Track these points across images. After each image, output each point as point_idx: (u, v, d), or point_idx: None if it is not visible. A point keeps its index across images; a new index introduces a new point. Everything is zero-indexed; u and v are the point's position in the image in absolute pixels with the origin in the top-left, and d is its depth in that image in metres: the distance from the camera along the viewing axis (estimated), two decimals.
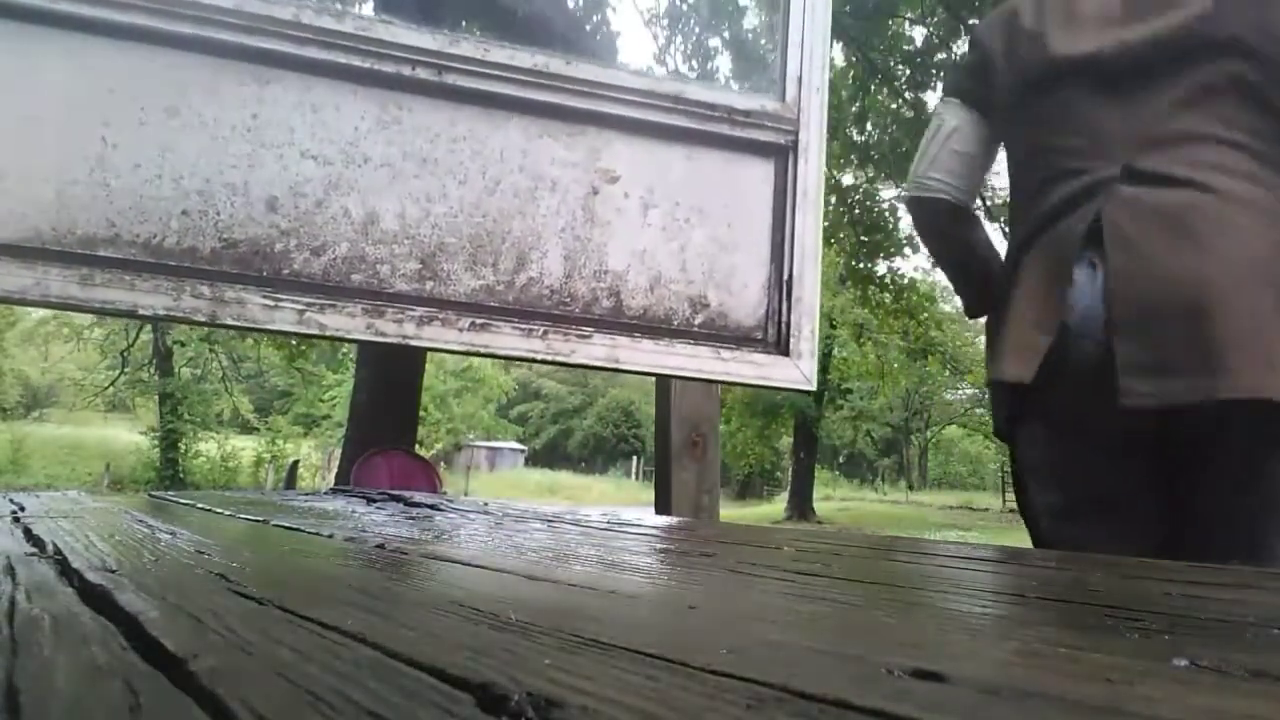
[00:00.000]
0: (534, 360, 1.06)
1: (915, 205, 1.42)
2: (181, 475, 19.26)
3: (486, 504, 1.95)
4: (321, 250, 1.00)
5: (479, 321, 1.03)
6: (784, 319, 1.12)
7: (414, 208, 1.04)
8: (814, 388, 1.14)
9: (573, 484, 27.38)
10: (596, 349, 1.05)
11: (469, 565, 0.86)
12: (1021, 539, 2.14)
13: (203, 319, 0.96)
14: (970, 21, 6.84)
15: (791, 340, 1.12)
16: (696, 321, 1.11)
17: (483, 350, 1.05)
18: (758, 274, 1.14)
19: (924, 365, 15.33)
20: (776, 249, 1.14)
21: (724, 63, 8.83)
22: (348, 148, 1.03)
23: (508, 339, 1.03)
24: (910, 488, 29.68)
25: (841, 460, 34.82)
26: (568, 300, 1.07)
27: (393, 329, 0.99)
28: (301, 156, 1.01)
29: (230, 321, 0.96)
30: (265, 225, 0.99)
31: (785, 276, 1.13)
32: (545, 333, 1.04)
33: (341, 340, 1.06)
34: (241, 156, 1.00)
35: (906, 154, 7.98)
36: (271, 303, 0.97)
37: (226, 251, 0.98)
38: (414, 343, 1.00)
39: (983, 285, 1.40)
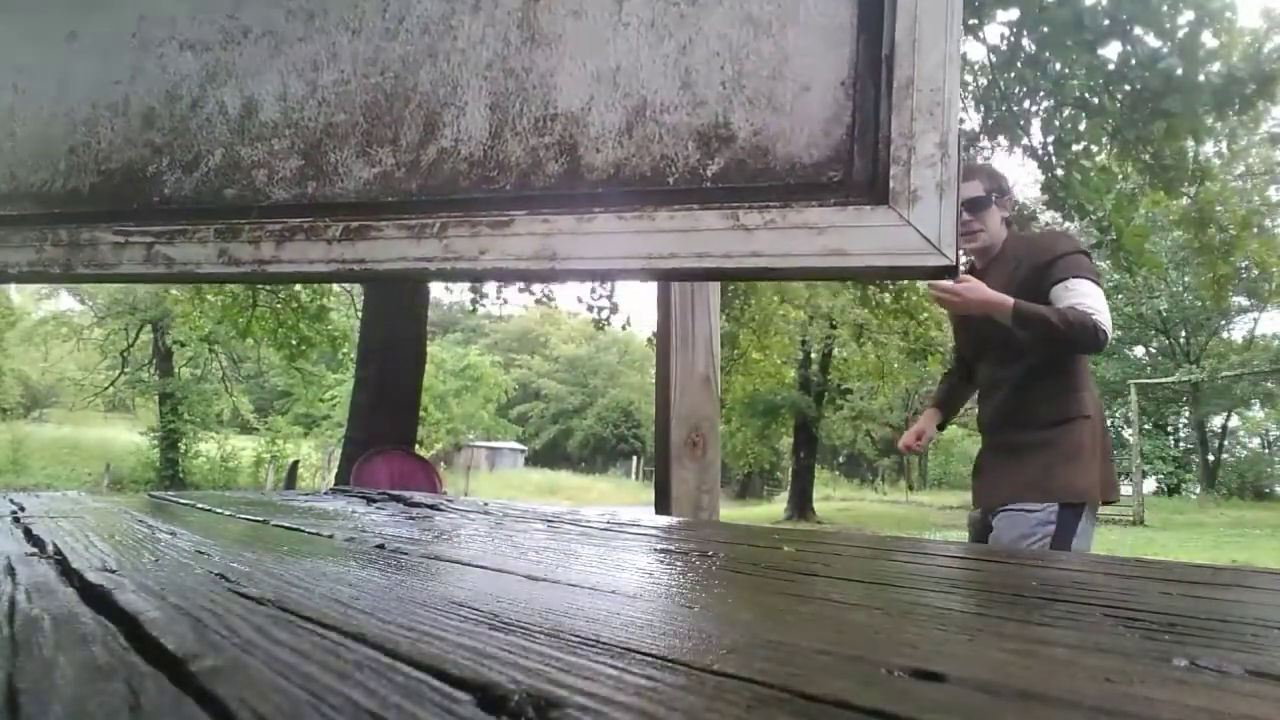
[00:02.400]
0: (425, 276, 0.76)
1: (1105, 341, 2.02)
2: (181, 475, 19.26)
3: (486, 504, 1.95)
4: (194, 164, 0.85)
5: (354, 225, 0.77)
6: (881, 132, 0.64)
7: (298, 83, 0.83)
8: (951, 260, 0.62)
9: (573, 484, 27.38)
10: (520, 242, 0.72)
11: (469, 565, 0.86)
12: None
13: (59, 271, 0.86)
14: (970, 21, 6.83)
15: (893, 170, 0.63)
16: (709, 170, 0.69)
17: (356, 268, 0.77)
18: (827, 62, 0.67)
19: (924, 365, 15.32)
20: (866, 9, 0.66)
21: None
22: (227, 23, 0.86)
23: (390, 246, 0.76)
24: (910, 488, 29.67)
25: (841, 460, 34.82)
26: (493, 173, 0.75)
27: (248, 253, 0.80)
28: (181, 49, 0.87)
29: (82, 270, 0.85)
30: (140, 146, 0.87)
31: (884, 51, 0.65)
32: (443, 227, 0.74)
33: (193, 279, 0.86)
34: (125, 69, 0.88)
35: None
36: (121, 239, 0.83)
37: (103, 186, 0.87)
38: (272, 268, 0.79)
39: None
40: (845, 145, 0.66)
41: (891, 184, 0.63)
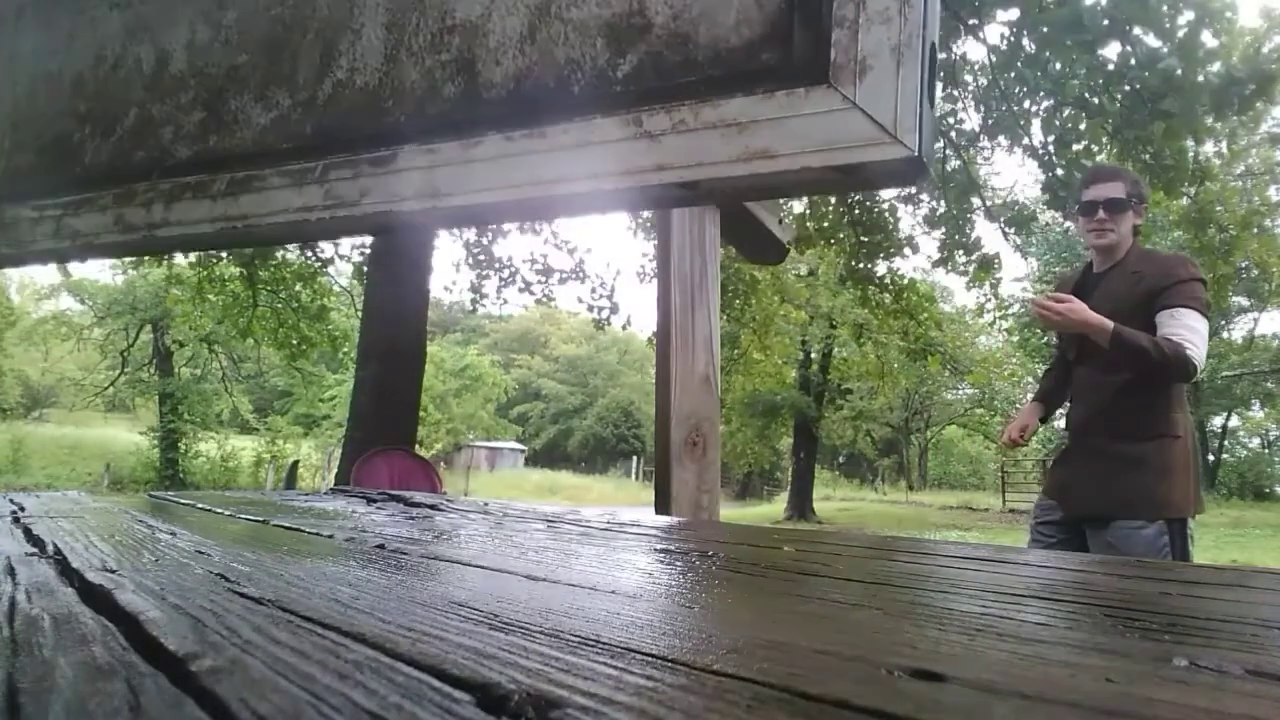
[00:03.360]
0: (305, 229, 0.70)
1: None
2: (181, 475, 19.27)
3: (486, 504, 1.95)
4: (111, 128, 0.82)
5: (240, 177, 0.72)
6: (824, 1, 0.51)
7: (204, 28, 0.79)
8: (912, 149, 0.47)
9: (573, 484, 27.37)
10: (402, 180, 0.65)
11: (469, 565, 0.86)
12: (1020, 539, 2.16)
13: None
14: (970, 21, 6.84)
15: (835, 35, 0.50)
16: (620, 70, 0.58)
17: (239, 225, 0.72)
18: None
19: (924, 365, 15.32)
20: None
21: None
22: None
23: (273, 197, 0.70)
24: (910, 488, 29.66)
25: (841, 460, 34.83)
26: (387, 103, 0.67)
27: (140, 217, 0.76)
28: (110, 9, 0.84)
29: (4, 250, 0.84)
30: (70, 116, 0.85)
31: None
32: (325, 171, 0.68)
33: (92, 253, 0.83)
34: (61, 37, 0.86)
35: None
36: (37, 214, 0.82)
37: (40, 162, 0.85)
38: (161, 232, 0.76)
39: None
40: (784, 17, 0.52)
41: (833, 54, 0.49)
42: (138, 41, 0.82)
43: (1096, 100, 6.21)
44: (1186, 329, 2.07)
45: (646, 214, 10.41)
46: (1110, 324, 2.07)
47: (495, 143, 0.61)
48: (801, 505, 19.33)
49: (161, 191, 0.76)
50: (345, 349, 12.05)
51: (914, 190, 9.39)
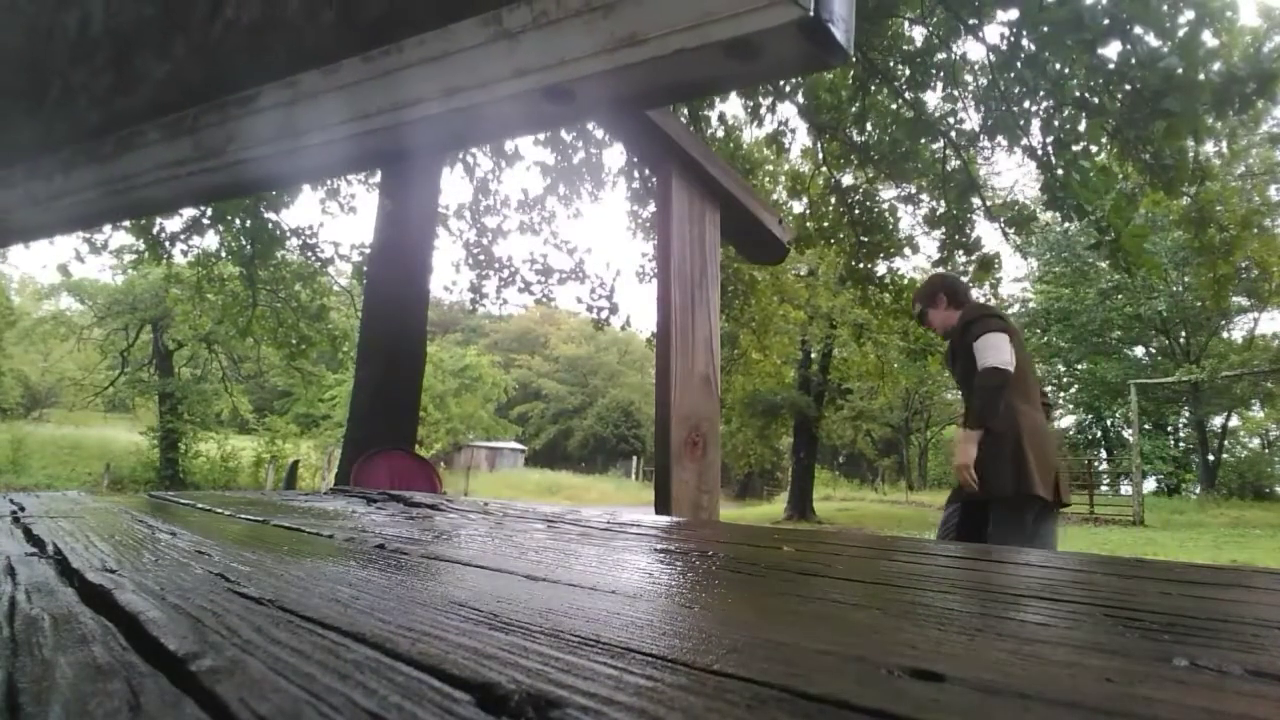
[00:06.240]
0: (178, 196, 0.68)
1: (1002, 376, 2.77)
2: (181, 475, 19.27)
3: (486, 504, 1.95)
4: (40, 100, 0.78)
5: (125, 134, 0.68)
6: None
7: None
8: (807, 7, 0.39)
9: (573, 484, 27.37)
10: (264, 121, 0.60)
11: (469, 565, 0.86)
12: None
13: None
14: (970, 21, 6.83)
15: None
16: None
17: (121, 187, 0.69)
18: None
19: (924, 365, 15.31)
20: None
21: None
22: None
23: (150, 153, 0.66)
24: (910, 488, 29.65)
25: (841, 460, 34.83)
26: (256, 42, 0.62)
27: (42, 190, 0.75)
28: None
29: None
30: (3, 94, 0.81)
31: None
32: (196, 120, 0.64)
33: (11, 237, 0.82)
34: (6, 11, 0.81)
35: (906, 154, 7.95)
36: None
37: None
38: (60, 202, 0.73)
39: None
40: None
41: None
42: (67, 8, 0.78)
43: (1096, 100, 6.21)
44: (977, 352, 2.79)
45: (646, 214, 10.41)
46: (970, 430, 2.76)
47: (353, 67, 0.55)
48: (801, 505, 19.32)
49: (61, 160, 0.73)
50: (345, 349, 12.05)
51: (913, 189, 9.39)
